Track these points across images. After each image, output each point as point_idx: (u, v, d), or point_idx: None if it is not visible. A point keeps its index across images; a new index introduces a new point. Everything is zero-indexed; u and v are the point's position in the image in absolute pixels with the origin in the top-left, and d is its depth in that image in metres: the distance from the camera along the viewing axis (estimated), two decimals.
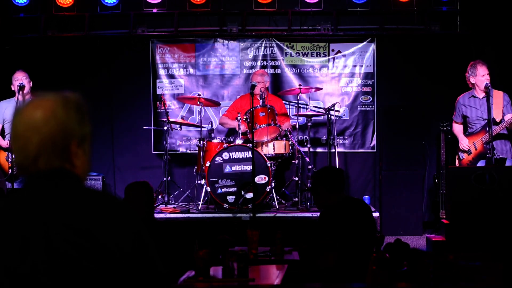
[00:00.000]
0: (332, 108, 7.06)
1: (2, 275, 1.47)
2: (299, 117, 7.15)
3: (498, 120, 6.34)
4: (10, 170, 6.37)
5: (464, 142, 6.56)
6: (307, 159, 6.98)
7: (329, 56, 7.94)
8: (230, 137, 7.56)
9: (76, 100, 1.63)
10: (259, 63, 7.95)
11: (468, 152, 6.53)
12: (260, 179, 6.57)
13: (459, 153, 6.65)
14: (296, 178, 6.96)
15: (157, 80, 7.98)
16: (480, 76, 6.38)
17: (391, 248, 3.21)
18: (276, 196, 6.79)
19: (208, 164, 6.57)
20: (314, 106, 7.57)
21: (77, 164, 1.62)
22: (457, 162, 6.67)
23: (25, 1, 7.47)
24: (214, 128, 7.57)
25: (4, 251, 1.48)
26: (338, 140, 7.53)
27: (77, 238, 1.47)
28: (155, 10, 7.69)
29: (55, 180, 1.57)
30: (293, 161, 7.14)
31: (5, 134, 6.71)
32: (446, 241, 5.76)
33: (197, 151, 7.26)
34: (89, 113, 1.64)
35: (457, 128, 6.72)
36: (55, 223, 1.48)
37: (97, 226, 1.49)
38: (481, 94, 6.45)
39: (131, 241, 1.52)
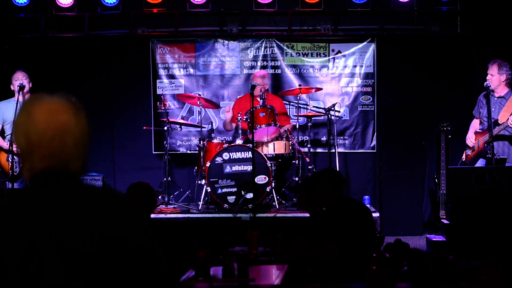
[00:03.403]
0: (332, 108, 7.06)
1: (9, 274, 1.47)
2: (299, 117, 7.15)
3: (501, 121, 6.28)
4: (10, 171, 6.37)
5: (470, 138, 6.56)
6: (307, 159, 6.98)
7: (329, 56, 7.94)
8: (230, 137, 7.57)
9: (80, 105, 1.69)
10: (259, 63, 7.95)
11: (472, 148, 6.53)
12: (260, 179, 6.57)
13: (466, 149, 6.65)
14: (296, 178, 6.96)
15: (157, 80, 7.98)
16: (489, 75, 6.35)
17: (391, 248, 3.21)
18: (276, 196, 6.78)
19: (208, 164, 6.57)
20: (314, 107, 7.56)
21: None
22: (463, 157, 6.68)
23: (25, 1, 7.46)
24: (214, 128, 7.57)
25: (11, 250, 1.49)
26: (338, 140, 7.53)
27: (89, 236, 1.48)
28: (155, 10, 7.69)
29: (64, 179, 1.60)
30: (293, 161, 7.13)
31: (5, 135, 6.68)
32: (446, 241, 5.76)
33: (197, 151, 7.26)
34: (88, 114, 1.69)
35: (473, 123, 6.70)
36: (65, 222, 1.49)
37: (108, 221, 1.52)
38: (497, 94, 6.40)
39: (140, 234, 1.54)
